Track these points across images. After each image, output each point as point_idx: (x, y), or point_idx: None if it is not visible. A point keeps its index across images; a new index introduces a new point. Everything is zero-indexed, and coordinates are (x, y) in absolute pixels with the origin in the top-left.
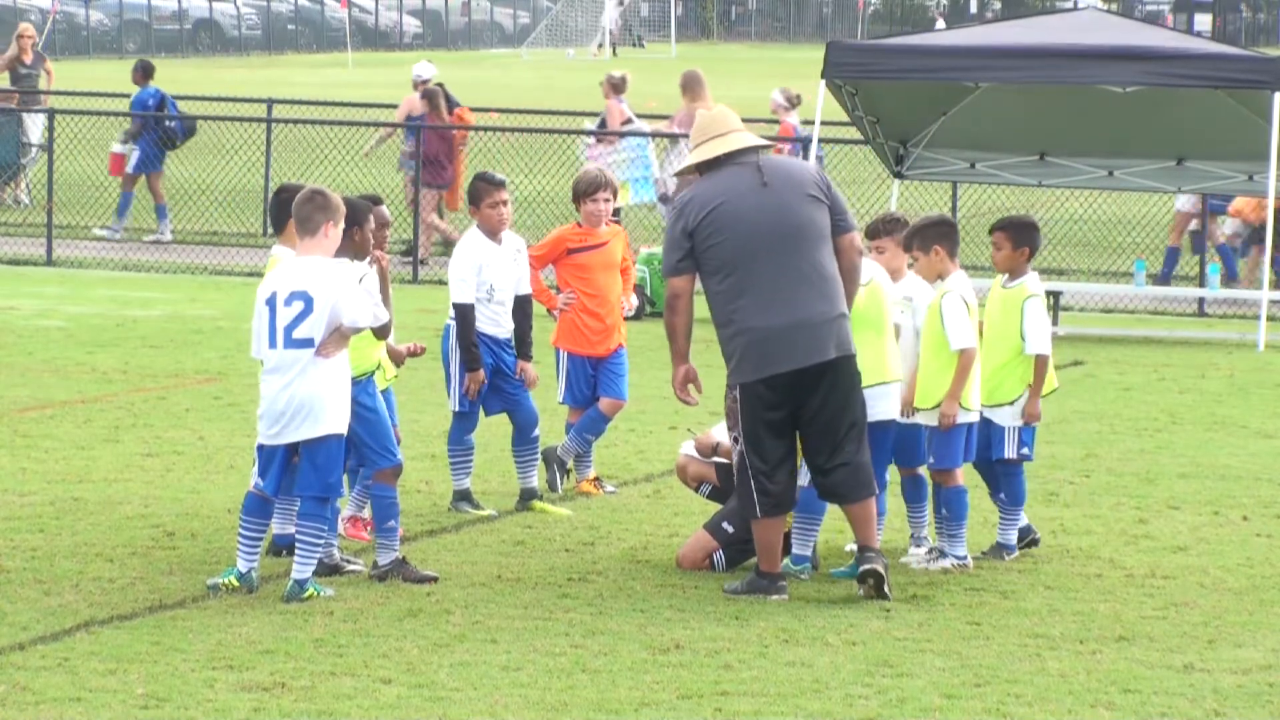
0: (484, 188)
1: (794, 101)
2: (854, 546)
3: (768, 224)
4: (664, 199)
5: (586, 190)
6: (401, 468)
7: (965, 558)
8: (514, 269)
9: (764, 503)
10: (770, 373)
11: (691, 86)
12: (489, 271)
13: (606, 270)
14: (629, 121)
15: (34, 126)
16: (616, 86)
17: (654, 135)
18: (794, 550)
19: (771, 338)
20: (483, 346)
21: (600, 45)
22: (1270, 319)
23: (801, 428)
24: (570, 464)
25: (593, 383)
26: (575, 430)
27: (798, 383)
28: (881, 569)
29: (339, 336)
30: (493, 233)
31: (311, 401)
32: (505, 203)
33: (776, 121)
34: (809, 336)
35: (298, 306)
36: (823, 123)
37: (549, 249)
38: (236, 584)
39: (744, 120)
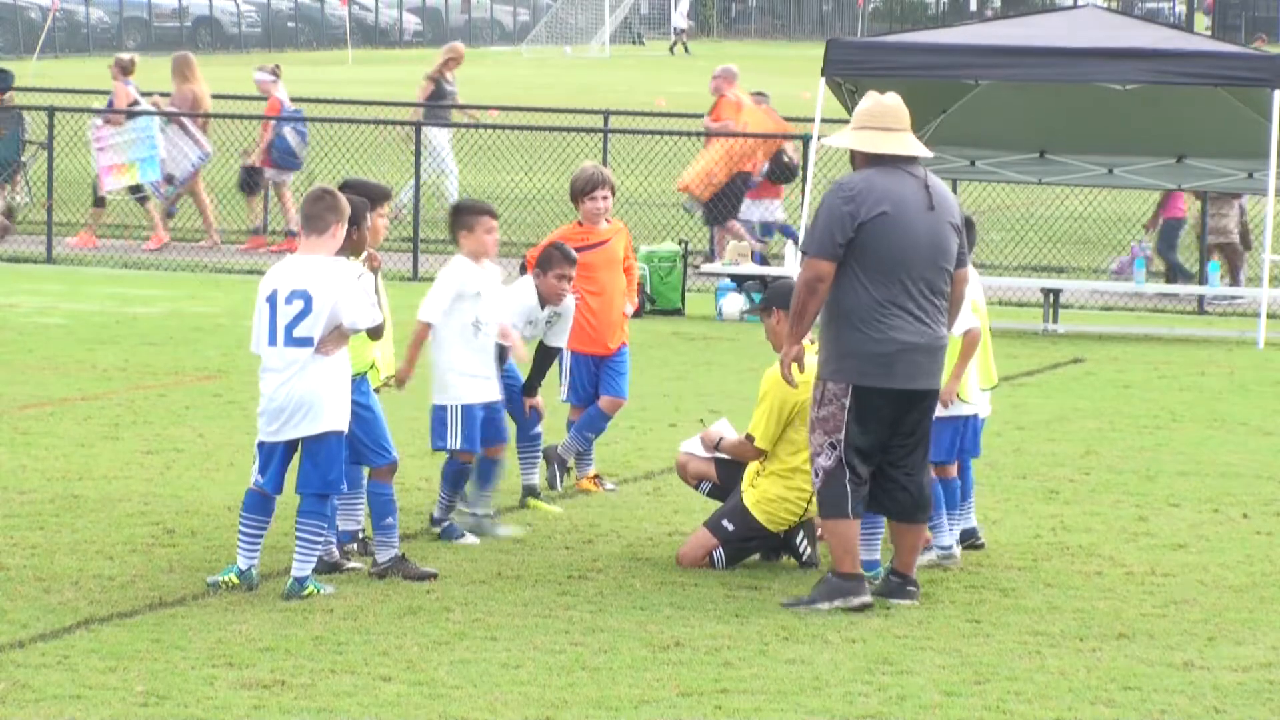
0: (559, 260)
1: (277, 74)
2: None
3: (928, 246)
4: (169, 179)
5: (584, 188)
6: (396, 465)
7: (950, 548)
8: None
9: (856, 504)
10: (894, 386)
11: (181, 69)
12: (533, 329)
13: (609, 268)
14: (135, 103)
15: (443, 142)
16: (125, 69)
17: (159, 114)
18: (863, 557)
19: (905, 354)
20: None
21: (674, 45)
22: (1270, 316)
23: (897, 440)
24: (571, 462)
25: (595, 381)
26: (576, 429)
27: (905, 402)
28: (917, 602)
29: (339, 335)
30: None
31: (311, 399)
32: (570, 279)
33: (264, 98)
34: (930, 360)
35: (298, 305)
36: (823, 120)
37: None
38: (236, 581)
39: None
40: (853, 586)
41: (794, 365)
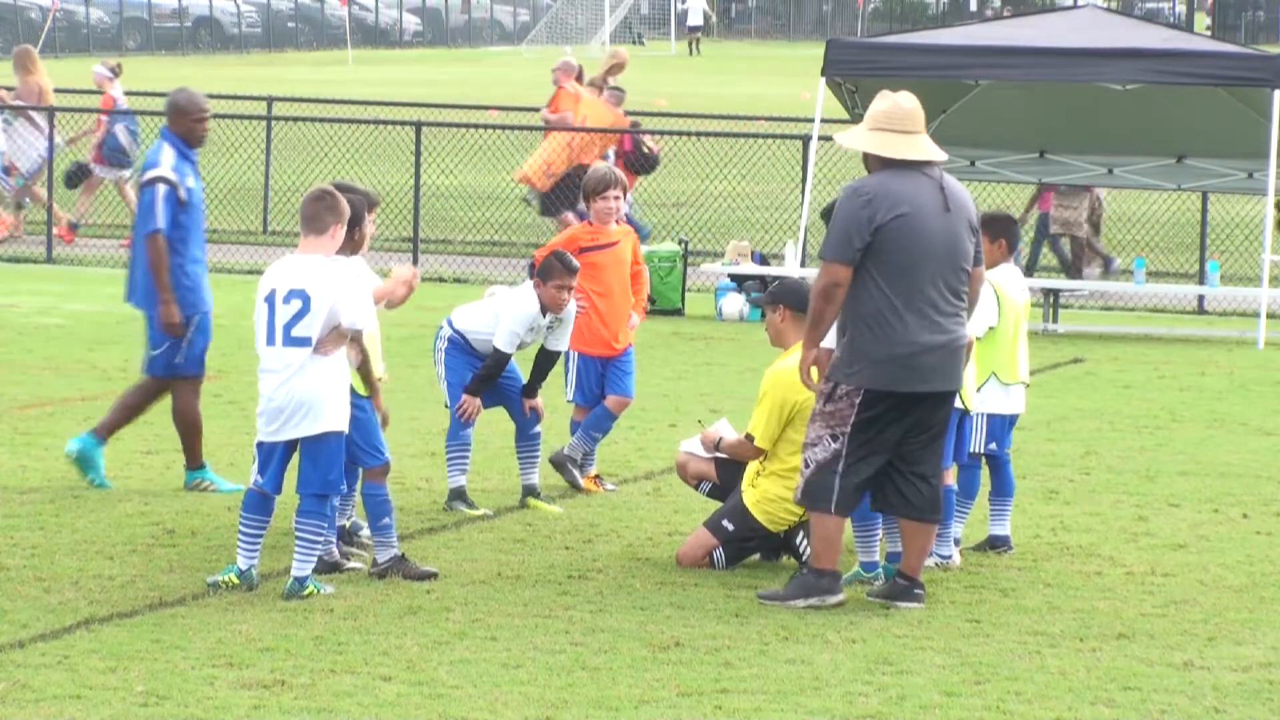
0: (560, 270)
1: (116, 72)
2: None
3: (943, 249)
4: (5, 170)
5: (596, 188)
6: (389, 465)
7: (950, 556)
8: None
9: (842, 499)
10: (911, 389)
11: (23, 62)
12: (535, 335)
13: (616, 269)
14: None
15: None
16: None
17: (4, 108)
18: (861, 559)
19: (920, 355)
20: (473, 356)
21: (692, 44)
22: (1270, 316)
23: (912, 440)
24: (579, 458)
25: (601, 381)
26: (583, 429)
27: (924, 402)
28: (923, 606)
29: (337, 335)
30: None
31: (310, 399)
32: (571, 289)
33: (99, 92)
34: (948, 361)
35: (296, 305)
36: (822, 120)
37: (562, 248)
38: (236, 581)
39: (734, 117)
40: (827, 584)
41: (813, 370)
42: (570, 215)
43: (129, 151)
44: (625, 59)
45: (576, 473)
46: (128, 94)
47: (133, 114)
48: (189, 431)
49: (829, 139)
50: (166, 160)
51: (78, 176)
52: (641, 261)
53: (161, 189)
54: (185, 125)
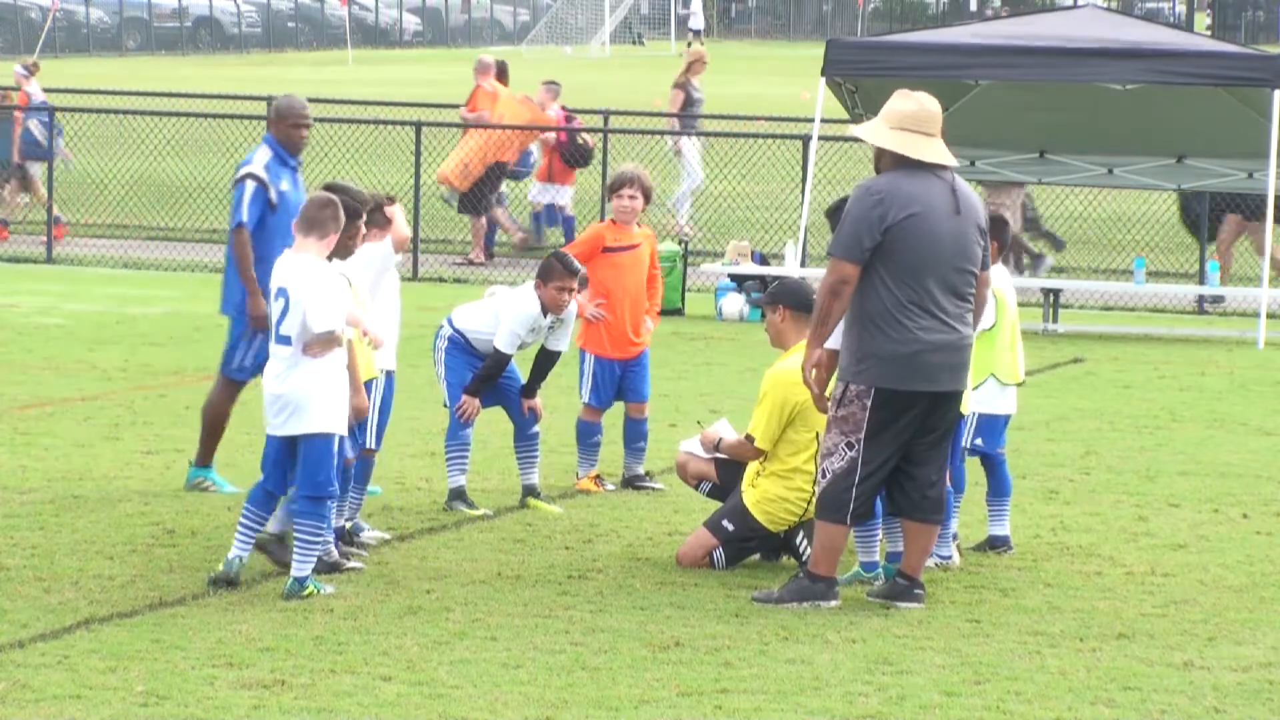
0: (560, 272)
1: (32, 70)
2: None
3: (951, 250)
4: None
5: (614, 185)
6: (363, 456)
7: (950, 556)
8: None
9: (856, 510)
10: (918, 388)
11: None
12: (535, 335)
13: (635, 271)
14: None
15: (693, 152)
16: None
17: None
18: (861, 559)
19: (928, 355)
20: (473, 356)
21: (690, 44)
22: (1270, 316)
23: (919, 440)
24: (643, 469)
25: (618, 384)
26: (627, 449)
27: (930, 403)
28: (923, 606)
29: (319, 338)
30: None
31: (297, 398)
32: (571, 290)
33: (16, 89)
34: (954, 361)
35: (280, 303)
36: (823, 120)
37: (587, 246)
38: (221, 570)
39: (734, 117)
40: (822, 590)
41: (814, 370)
42: (500, 212)
43: (41, 143)
44: (704, 55)
45: (652, 483)
46: (130, 94)
47: (51, 109)
48: (212, 427)
49: (829, 139)
50: (260, 160)
51: (22, 176)
52: (658, 266)
53: (250, 185)
54: (283, 131)
